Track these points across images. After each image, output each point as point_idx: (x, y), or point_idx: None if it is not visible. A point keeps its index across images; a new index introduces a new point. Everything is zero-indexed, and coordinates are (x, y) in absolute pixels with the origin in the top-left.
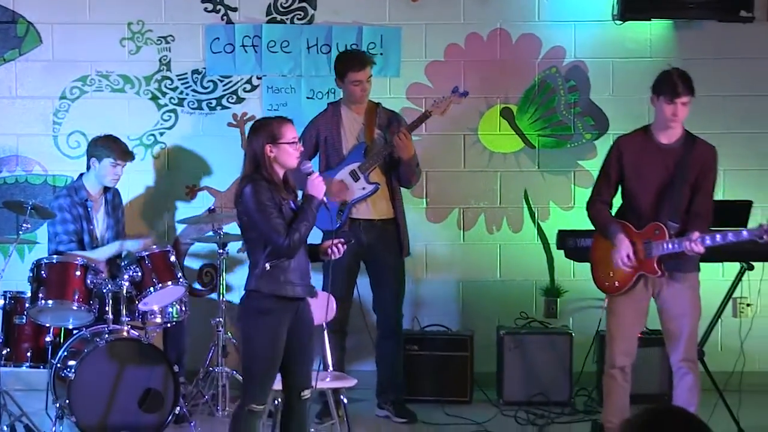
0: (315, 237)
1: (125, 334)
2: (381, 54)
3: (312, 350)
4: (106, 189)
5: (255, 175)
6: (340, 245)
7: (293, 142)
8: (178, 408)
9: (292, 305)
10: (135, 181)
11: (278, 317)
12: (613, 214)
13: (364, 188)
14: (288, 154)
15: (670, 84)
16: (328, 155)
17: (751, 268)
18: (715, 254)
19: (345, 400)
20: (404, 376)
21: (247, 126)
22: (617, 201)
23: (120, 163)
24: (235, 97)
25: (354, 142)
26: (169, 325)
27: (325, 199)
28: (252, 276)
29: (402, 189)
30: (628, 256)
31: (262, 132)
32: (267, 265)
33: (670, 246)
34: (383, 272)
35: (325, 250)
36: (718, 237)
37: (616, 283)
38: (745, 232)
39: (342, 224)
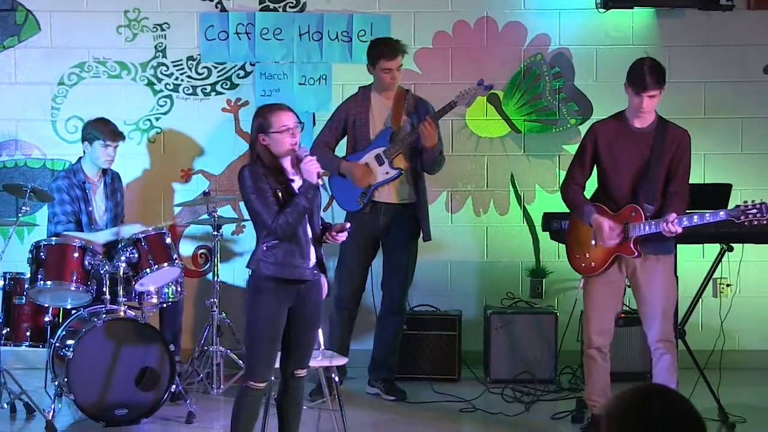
0: (339, 216)
1: (122, 314)
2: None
3: (314, 332)
4: (104, 172)
5: (255, 160)
6: (338, 236)
7: (284, 130)
8: (173, 386)
9: (293, 286)
10: (131, 164)
11: (277, 297)
12: (588, 198)
13: (387, 173)
14: (279, 143)
15: (639, 77)
16: (356, 138)
17: (731, 249)
18: (696, 236)
19: (336, 378)
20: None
21: (241, 111)
22: (591, 186)
23: (110, 144)
24: (229, 83)
25: (381, 127)
26: (165, 305)
27: (325, 181)
28: (252, 256)
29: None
30: (611, 228)
31: (255, 122)
32: (264, 246)
33: (647, 227)
34: (395, 252)
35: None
36: (695, 218)
37: (593, 263)
38: (722, 213)
39: (364, 206)
